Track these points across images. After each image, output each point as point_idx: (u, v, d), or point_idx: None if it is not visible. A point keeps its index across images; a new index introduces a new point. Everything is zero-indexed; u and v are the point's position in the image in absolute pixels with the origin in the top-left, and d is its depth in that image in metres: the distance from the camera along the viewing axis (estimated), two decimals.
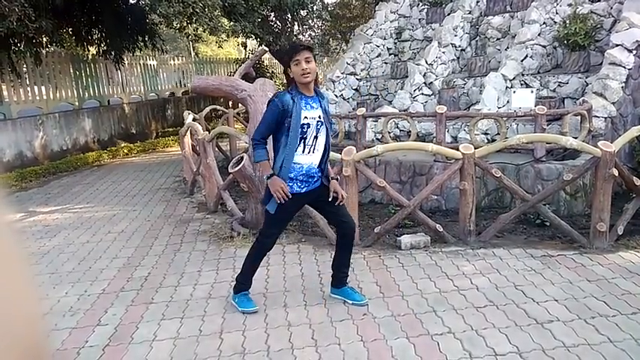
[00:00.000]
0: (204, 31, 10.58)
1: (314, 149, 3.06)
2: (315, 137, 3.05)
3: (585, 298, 3.24)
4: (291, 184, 3.04)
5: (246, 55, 17.36)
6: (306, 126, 2.99)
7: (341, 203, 3.20)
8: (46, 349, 0.59)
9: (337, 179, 3.26)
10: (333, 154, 4.54)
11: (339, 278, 3.39)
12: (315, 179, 3.13)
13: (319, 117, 3.04)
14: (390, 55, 9.79)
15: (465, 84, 7.68)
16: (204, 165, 6.01)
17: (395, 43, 9.80)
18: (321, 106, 3.06)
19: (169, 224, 5.58)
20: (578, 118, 5.41)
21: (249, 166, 4.46)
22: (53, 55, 10.94)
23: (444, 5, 9.28)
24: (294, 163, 3.01)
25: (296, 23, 14.58)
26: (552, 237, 4.40)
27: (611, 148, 3.91)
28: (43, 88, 10.49)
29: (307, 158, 3.06)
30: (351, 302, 3.33)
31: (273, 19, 13.59)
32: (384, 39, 9.71)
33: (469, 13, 8.66)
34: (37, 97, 10.29)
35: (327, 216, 3.47)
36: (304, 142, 3.02)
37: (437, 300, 3.33)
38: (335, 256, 3.40)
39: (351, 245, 3.37)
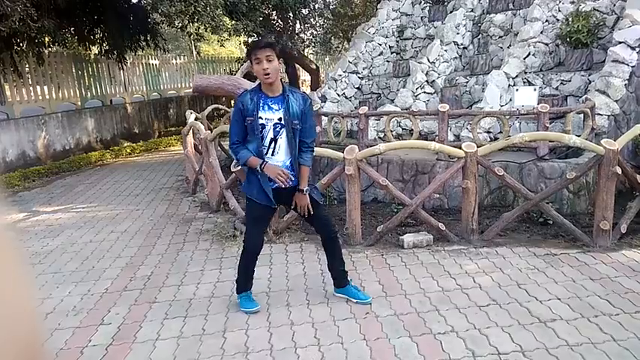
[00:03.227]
0: (205, 30, 10.57)
1: (273, 151, 3.00)
2: (274, 140, 2.97)
3: (588, 296, 3.23)
4: (263, 177, 3.00)
5: None
6: (261, 127, 2.93)
7: (305, 214, 3.13)
8: (42, 349, 0.59)
9: (305, 192, 3.07)
10: (335, 153, 4.56)
11: (340, 277, 3.39)
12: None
13: (279, 120, 2.94)
14: (392, 53, 9.76)
15: (467, 82, 7.65)
16: (206, 164, 6.01)
17: (397, 42, 9.76)
18: (285, 108, 2.94)
19: (172, 223, 5.59)
20: (581, 116, 5.39)
21: None
22: (55, 54, 10.95)
23: (446, 3, 9.24)
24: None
25: (297, 22, 14.55)
26: (555, 235, 4.38)
27: (615, 146, 3.89)
28: (45, 87, 10.51)
29: (270, 159, 3.01)
30: (355, 301, 3.32)
31: (275, 17, 13.57)
32: (386, 37, 9.68)
33: (471, 11, 8.63)
34: (40, 97, 10.31)
35: (307, 219, 3.31)
36: (262, 143, 2.98)
37: (440, 299, 3.33)
38: (327, 258, 3.38)
39: (337, 245, 3.33)
